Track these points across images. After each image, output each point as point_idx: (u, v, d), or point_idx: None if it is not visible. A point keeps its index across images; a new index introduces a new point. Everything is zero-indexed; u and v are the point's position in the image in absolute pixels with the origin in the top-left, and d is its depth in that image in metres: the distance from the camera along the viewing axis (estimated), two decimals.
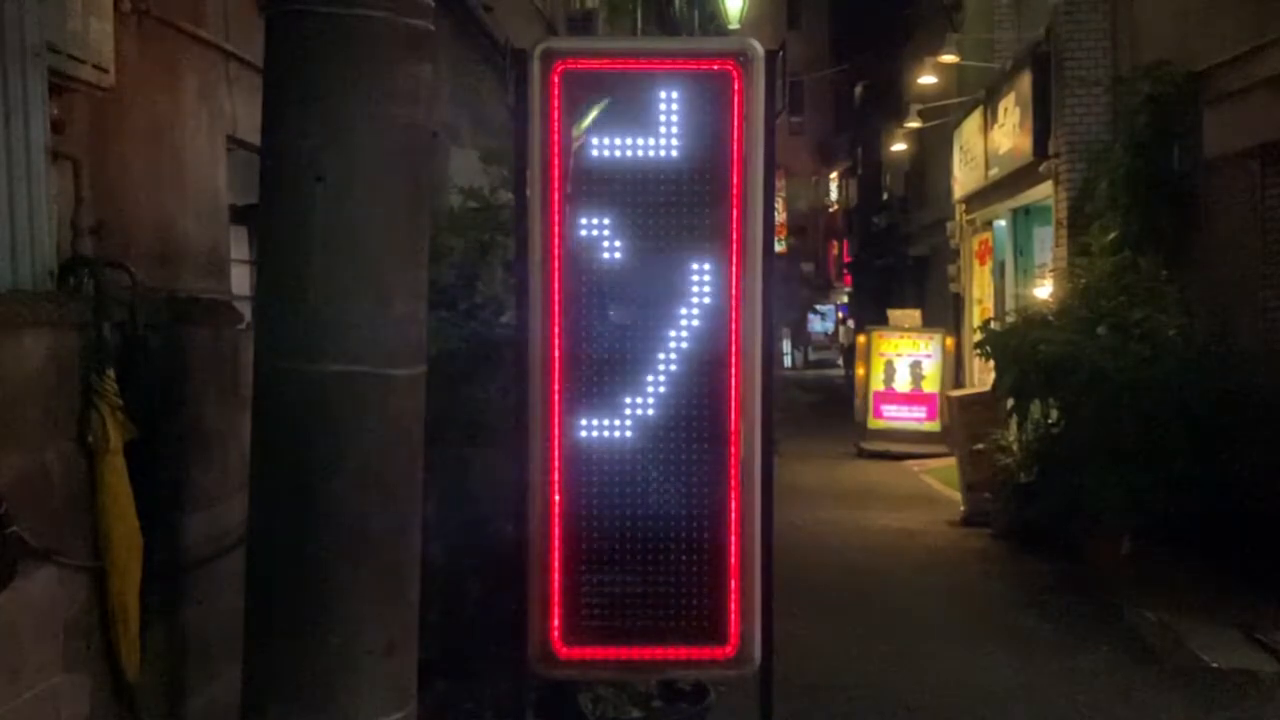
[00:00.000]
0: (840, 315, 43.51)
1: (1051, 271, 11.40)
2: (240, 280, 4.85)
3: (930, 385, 16.27)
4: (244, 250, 4.96)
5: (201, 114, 4.41)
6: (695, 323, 3.50)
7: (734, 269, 3.48)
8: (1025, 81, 12.07)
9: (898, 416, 16.34)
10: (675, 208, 3.50)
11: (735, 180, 3.47)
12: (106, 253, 3.62)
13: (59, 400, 3.17)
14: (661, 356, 3.50)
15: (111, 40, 3.60)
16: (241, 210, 4.76)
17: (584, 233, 3.49)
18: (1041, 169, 11.86)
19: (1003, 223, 15.14)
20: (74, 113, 3.56)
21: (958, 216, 17.60)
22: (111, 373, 3.32)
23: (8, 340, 2.96)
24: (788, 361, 41.88)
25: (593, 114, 3.45)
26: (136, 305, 3.51)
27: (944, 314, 18.66)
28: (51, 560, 3.10)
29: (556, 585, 3.54)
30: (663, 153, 3.48)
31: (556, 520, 3.53)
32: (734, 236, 3.48)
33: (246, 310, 4.36)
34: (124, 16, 3.79)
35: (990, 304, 15.53)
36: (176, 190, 4.24)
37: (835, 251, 42.50)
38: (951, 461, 11.94)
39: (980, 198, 15.63)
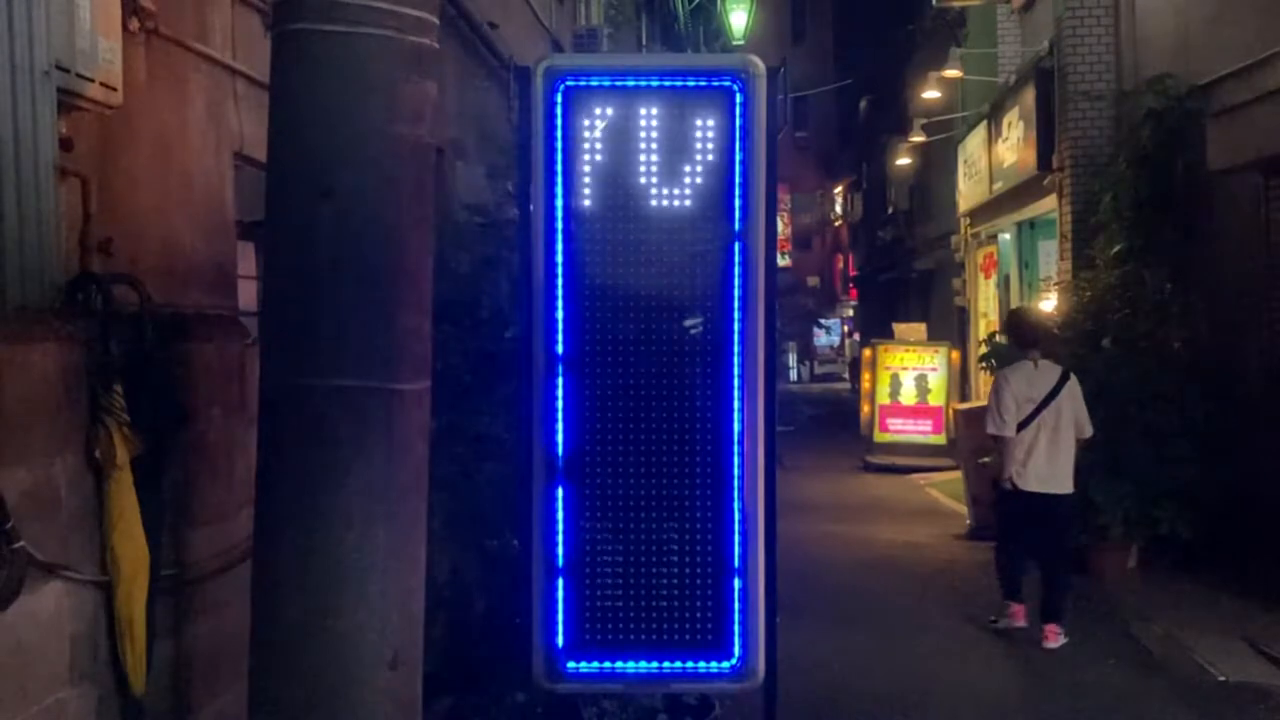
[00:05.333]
0: (846, 329, 43.51)
1: (1056, 285, 11.40)
2: (247, 296, 4.88)
3: (936, 398, 16.27)
4: (251, 266, 4.99)
5: (209, 131, 4.44)
6: (697, 335, 3.52)
7: (736, 281, 3.50)
8: (1029, 96, 12.10)
9: (903, 430, 16.32)
10: (678, 221, 3.52)
11: (737, 195, 3.49)
12: (114, 269, 3.65)
13: (66, 415, 3.19)
14: (664, 368, 3.52)
15: (120, 59, 3.64)
16: (248, 226, 4.79)
17: (587, 245, 3.51)
18: (1046, 183, 11.88)
19: (1007, 236, 15.17)
20: (82, 130, 3.59)
21: (962, 230, 17.63)
22: (119, 388, 3.34)
23: (16, 356, 2.98)
24: (794, 375, 41.88)
25: (598, 130, 3.48)
26: (144, 321, 3.54)
27: (949, 327, 18.69)
28: (58, 575, 3.12)
29: (560, 598, 3.56)
30: (665, 167, 3.50)
31: (560, 533, 3.55)
32: (736, 249, 3.50)
33: (253, 326, 4.39)
34: (132, 35, 3.83)
35: (995, 317, 15.54)
36: (184, 207, 4.27)
37: (840, 265, 42.54)
38: (957, 474, 11.93)
39: (985, 211, 15.66)
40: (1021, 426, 6.83)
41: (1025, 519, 6.94)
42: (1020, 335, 7.30)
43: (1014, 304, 14.34)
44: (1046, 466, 6.81)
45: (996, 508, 7.35)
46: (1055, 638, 6.75)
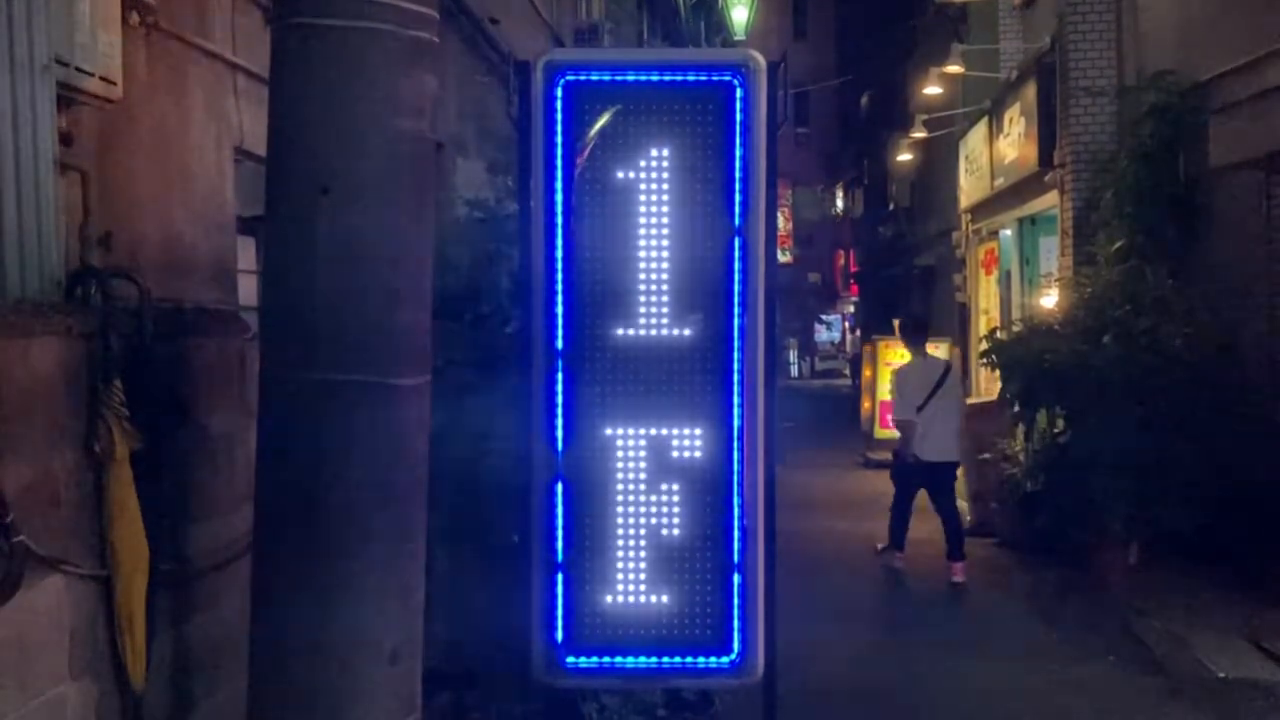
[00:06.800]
0: (847, 325, 43.51)
1: (1057, 281, 11.38)
2: (247, 291, 4.87)
3: None
4: (251, 261, 4.98)
5: (209, 126, 4.43)
6: (696, 330, 3.51)
7: (736, 277, 3.50)
8: (1030, 92, 12.08)
9: None
10: (678, 216, 3.51)
11: (737, 190, 3.49)
12: (114, 263, 3.64)
13: (66, 409, 3.19)
14: (663, 364, 3.52)
15: (119, 53, 3.63)
16: (249, 221, 4.79)
17: (588, 241, 3.51)
18: (1047, 179, 11.86)
19: (1008, 232, 15.15)
20: (82, 125, 3.59)
21: (963, 226, 17.61)
22: (118, 382, 3.34)
23: (16, 350, 2.98)
24: (794, 371, 41.89)
25: (598, 125, 3.47)
26: (143, 316, 3.54)
27: (950, 324, 18.65)
28: (58, 569, 3.12)
29: (560, 594, 3.56)
30: (665, 163, 3.50)
31: (560, 528, 3.55)
32: (736, 245, 3.50)
33: (253, 321, 4.38)
34: (132, 29, 3.82)
35: (996, 313, 15.53)
36: (184, 202, 4.26)
37: (842, 262, 42.52)
38: (958, 471, 11.90)
39: (986, 207, 15.64)
40: (919, 410, 8.48)
41: (922, 484, 8.74)
42: (916, 336, 9.19)
43: (1015, 301, 14.35)
44: (941, 441, 8.54)
45: (895, 477, 9.09)
46: (961, 573, 8.41)
